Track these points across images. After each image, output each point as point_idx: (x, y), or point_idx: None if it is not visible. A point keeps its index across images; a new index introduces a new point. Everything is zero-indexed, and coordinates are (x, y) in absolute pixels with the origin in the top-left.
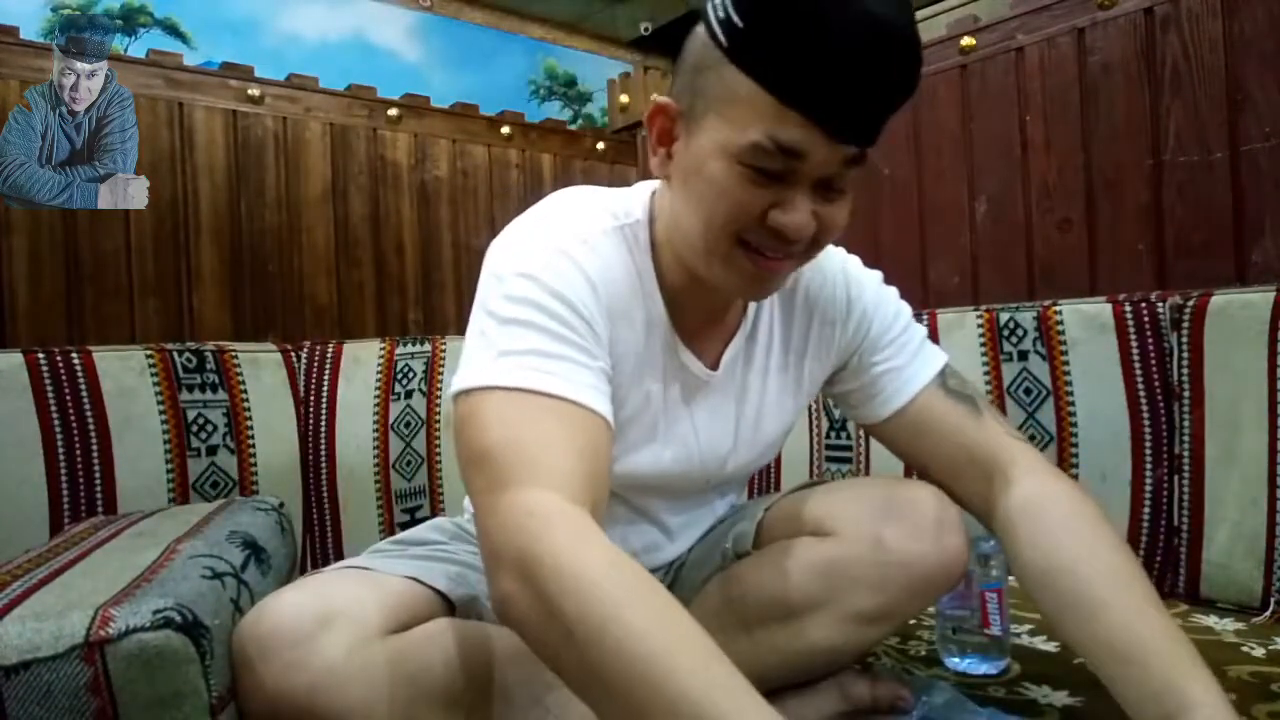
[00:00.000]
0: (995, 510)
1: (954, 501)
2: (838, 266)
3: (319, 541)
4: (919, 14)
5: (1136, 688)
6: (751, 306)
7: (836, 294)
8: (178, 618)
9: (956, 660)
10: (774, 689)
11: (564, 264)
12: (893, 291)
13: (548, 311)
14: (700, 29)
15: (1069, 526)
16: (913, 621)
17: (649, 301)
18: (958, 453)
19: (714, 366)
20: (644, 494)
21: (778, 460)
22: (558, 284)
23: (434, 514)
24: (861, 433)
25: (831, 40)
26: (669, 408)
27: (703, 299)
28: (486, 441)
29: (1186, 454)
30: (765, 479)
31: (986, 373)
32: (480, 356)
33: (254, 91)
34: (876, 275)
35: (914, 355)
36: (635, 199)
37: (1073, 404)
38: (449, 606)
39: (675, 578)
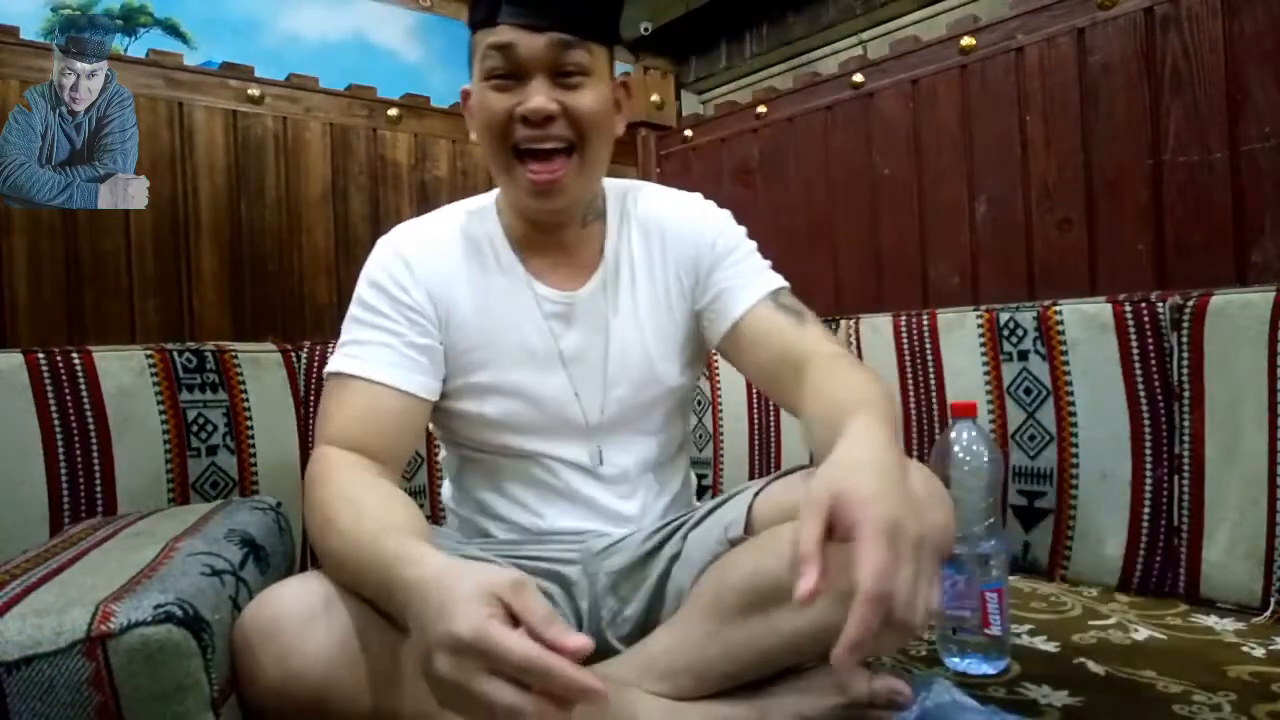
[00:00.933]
0: (799, 399)
1: (778, 403)
2: (685, 201)
3: None
4: (919, 14)
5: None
6: (609, 240)
7: (688, 222)
8: (179, 612)
9: (956, 660)
10: (773, 676)
11: (384, 251)
12: (738, 227)
13: (364, 304)
14: None
15: (835, 377)
16: None
17: (498, 256)
18: (777, 356)
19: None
20: (550, 434)
21: (778, 450)
22: (376, 275)
23: (434, 514)
24: None
25: None
26: (537, 338)
27: (544, 240)
28: (317, 415)
29: (1186, 454)
30: (765, 466)
31: (986, 373)
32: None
33: (254, 91)
34: (724, 213)
35: (753, 276)
36: (488, 194)
37: (1073, 404)
38: None
39: (671, 565)
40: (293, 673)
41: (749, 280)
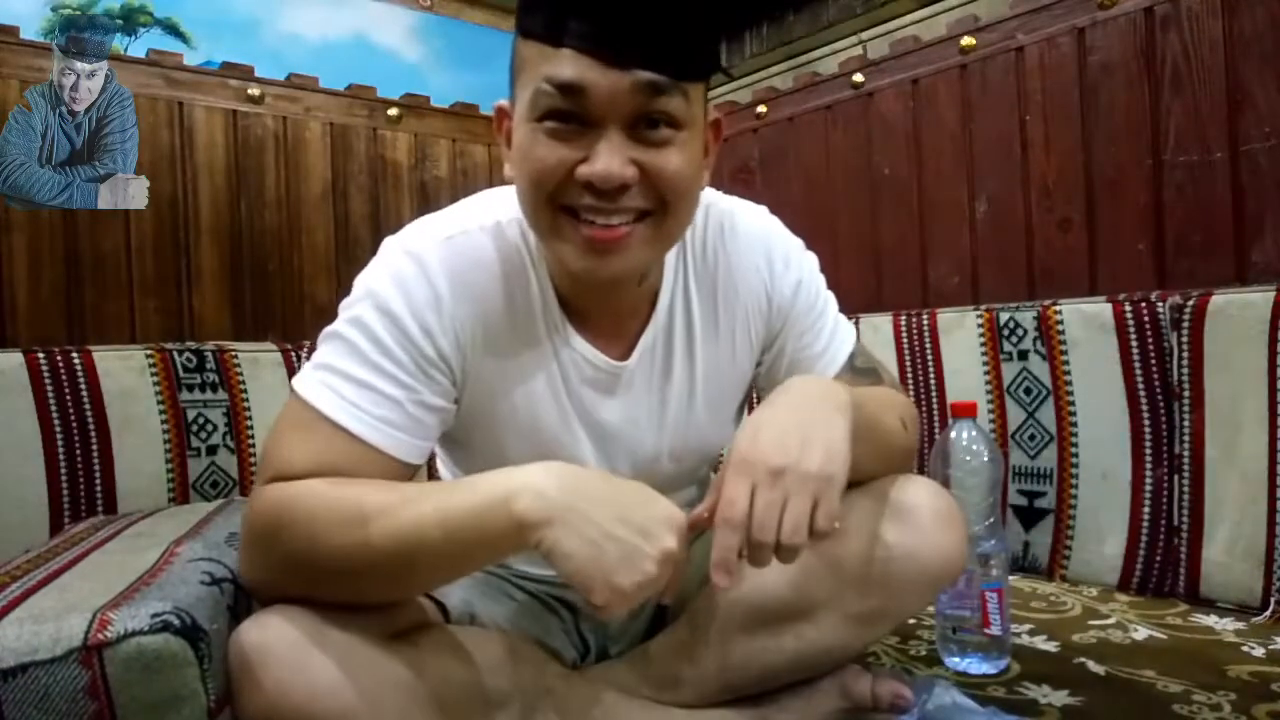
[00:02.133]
0: None
1: None
2: (759, 239)
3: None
4: (919, 14)
5: None
6: (664, 291)
7: (759, 270)
8: (176, 621)
9: (956, 660)
10: (775, 688)
11: (408, 271)
12: (812, 262)
13: (370, 334)
14: None
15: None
16: (913, 621)
17: (538, 298)
18: None
19: (624, 358)
20: None
21: None
22: (392, 302)
23: None
24: None
25: None
26: (571, 406)
27: (598, 295)
28: (270, 439)
29: (1186, 454)
30: None
31: (986, 373)
32: (309, 362)
33: (254, 91)
34: (797, 245)
35: (830, 339)
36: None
37: (1073, 404)
38: (444, 613)
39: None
40: (286, 697)
41: (826, 344)
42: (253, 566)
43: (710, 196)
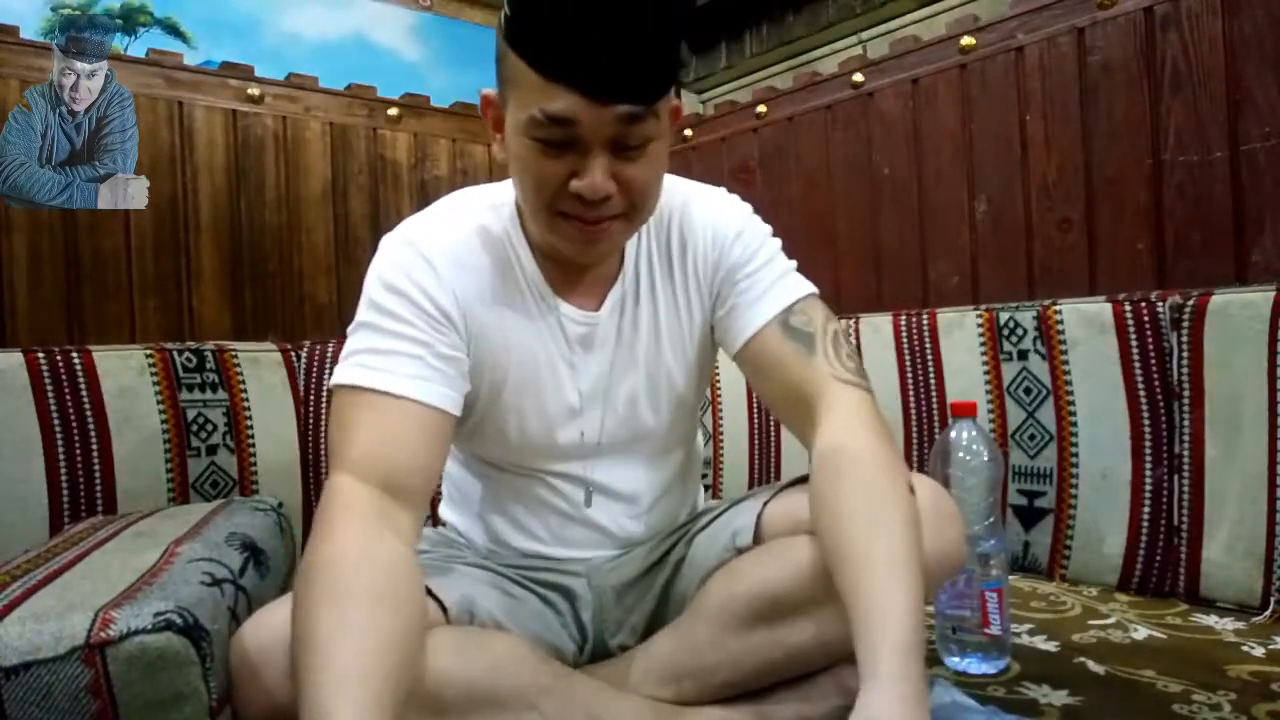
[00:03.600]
0: (811, 450)
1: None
2: (715, 199)
3: None
4: (919, 14)
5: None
6: (629, 252)
7: (705, 230)
8: (179, 620)
9: (956, 660)
10: (774, 685)
11: (404, 253)
12: (761, 226)
13: (383, 309)
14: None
15: (847, 478)
16: None
17: (522, 267)
18: (787, 390)
19: (597, 311)
20: (561, 457)
21: (778, 458)
22: (395, 278)
23: (433, 514)
24: None
25: (566, 7)
26: (556, 359)
27: (574, 262)
28: (329, 433)
29: (1186, 454)
30: (766, 474)
31: (986, 373)
32: (342, 359)
33: (254, 91)
34: (744, 209)
35: (764, 292)
36: (510, 183)
37: (1073, 404)
38: (442, 611)
39: (676, 571)
40: (284, 703)
41: (761, 294)
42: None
43: (672, 178)
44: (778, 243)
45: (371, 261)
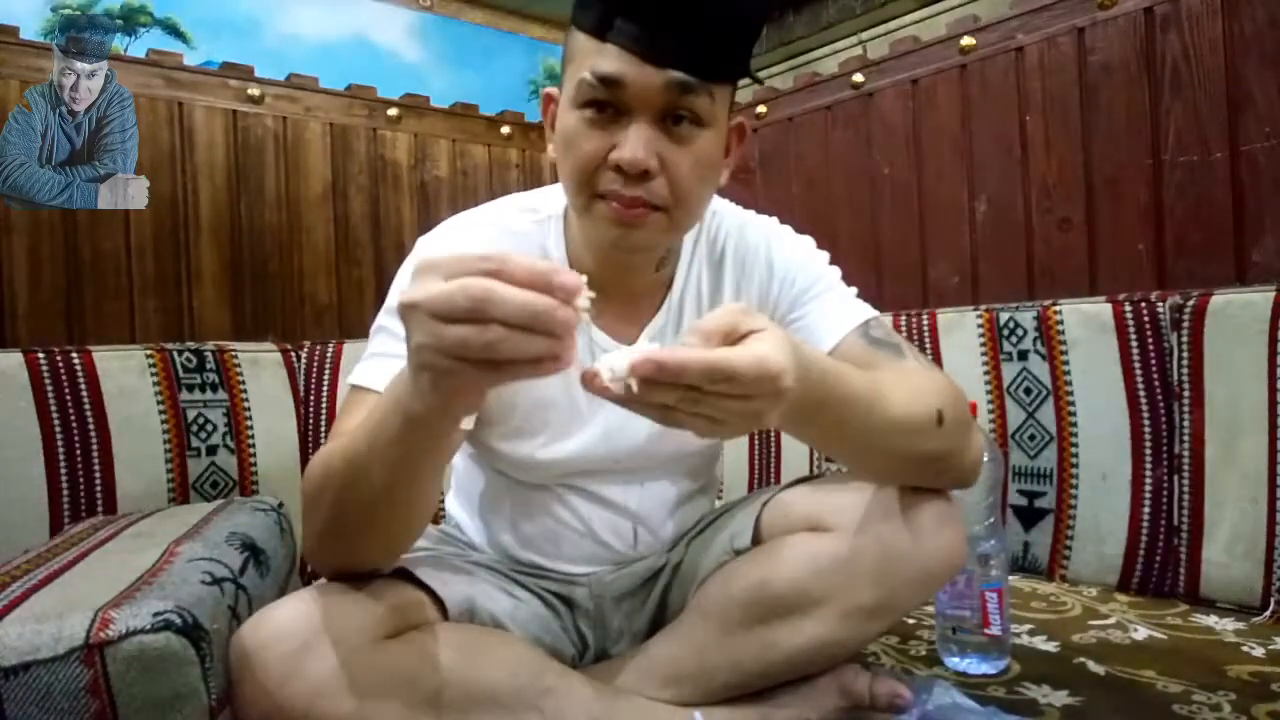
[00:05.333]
0: None
1: None
2: (762, 231)
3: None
4: (919, 14)
5: None
6: (677, 282)
7: (759, 255)
8: (178, 620)
9: (956, 660)
10: (774, 686)
11: (440, 253)
12: (817, 254)
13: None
14: None
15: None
16: (912, 621)
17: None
18: None
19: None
20: (587, 478)
21: (778, 460)
22: None
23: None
24: None
25: None
26: (576, 388)
27: (616, 276)
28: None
29: (1186, 454)
30: (765, 476)
31: (986, 373)
32: (362, 359)
33: (254, 91)
34: (805, 241)
35: (838, 308)
36: (557, 192)
37: (1073, 404)
38: (442, 609)
39: (674, 576)
40: (285, 700)
41: (833, 312)
42: (309, 538)
43: (728, 207)
44: (838, 271)
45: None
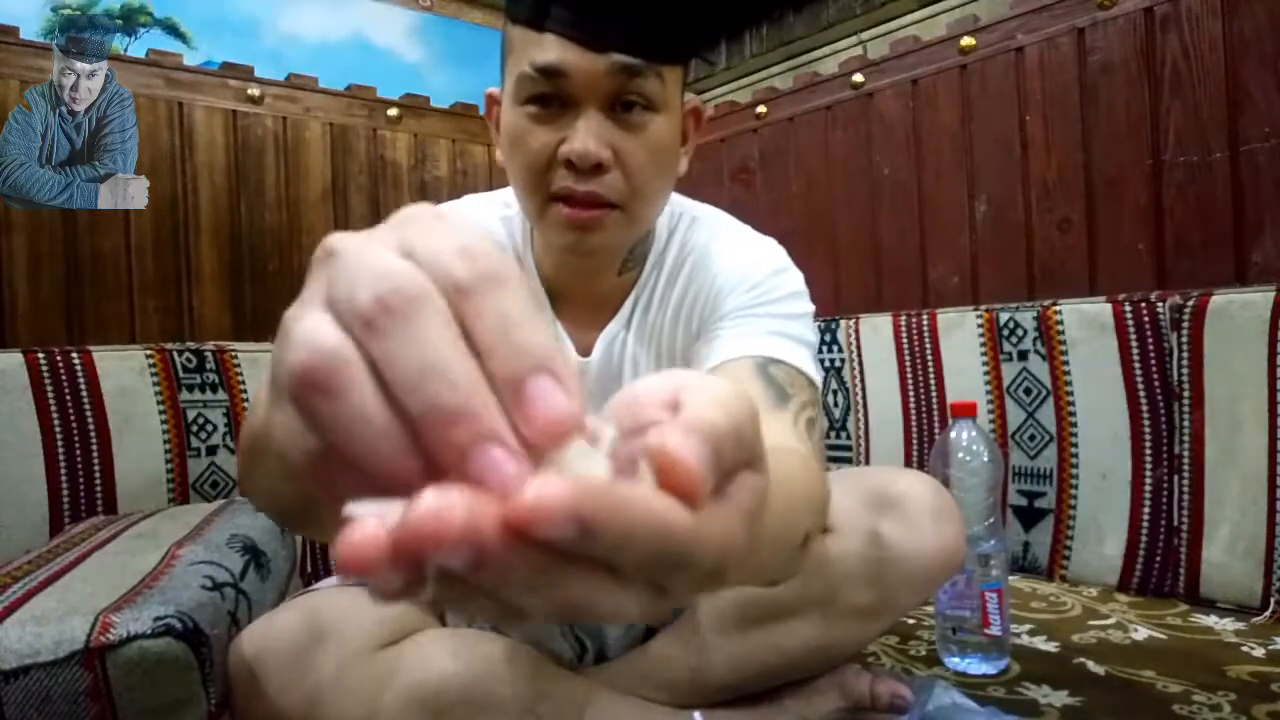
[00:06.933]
0: None
1: None
2: (747, 246)
3: (319, 542)
4: (919, 14)
5: None
6: (638, 287)
7: (727, 266)
8: (179, 625)
9: (956, 660)
10: (774, 688)
11: None
12: (792, 279)
13: None
14: None
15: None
16: (912, 621)
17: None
18: None
19: (587, 353)
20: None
21: None
22: None
23: None
24: (861, 432)
25: None
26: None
27: (578, 280)
28: None
29: (1186, 454)
30: None
31: (986, 373)
32: None
33: (254, 91)
34: (779, 255)
35: (757, 334)
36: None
37: (1073, 404)
38: (439, 614)
39: None
40: (285, 707)
41: (748, 334)
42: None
43: (712, 214)
44: (808, 307)
45: None
